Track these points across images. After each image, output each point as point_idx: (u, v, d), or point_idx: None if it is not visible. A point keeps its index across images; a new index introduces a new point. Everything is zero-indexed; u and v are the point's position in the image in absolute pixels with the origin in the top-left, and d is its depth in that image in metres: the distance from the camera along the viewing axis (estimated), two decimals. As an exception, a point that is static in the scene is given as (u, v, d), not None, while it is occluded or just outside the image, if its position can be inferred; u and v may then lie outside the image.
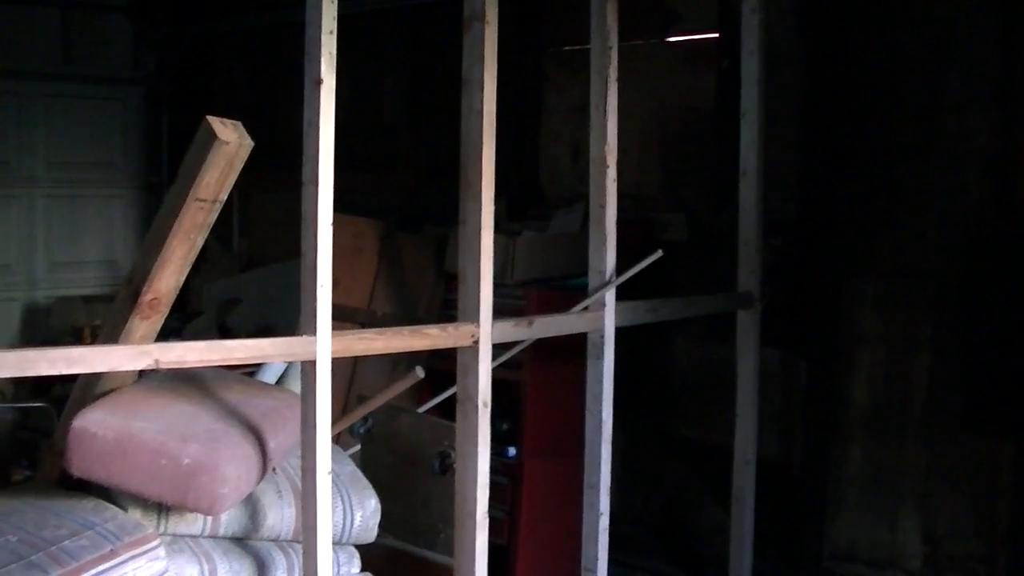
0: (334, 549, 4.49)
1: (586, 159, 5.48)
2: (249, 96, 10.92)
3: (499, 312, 4.95)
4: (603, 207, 5.38)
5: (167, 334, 6.07)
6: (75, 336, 9.89)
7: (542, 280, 6.83)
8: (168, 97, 11.51)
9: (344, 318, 6.64)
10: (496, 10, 4.72)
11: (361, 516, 4.67)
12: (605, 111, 5.34)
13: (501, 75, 4.77)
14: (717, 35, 7.24)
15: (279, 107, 9.79)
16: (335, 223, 4.23)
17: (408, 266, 7.43)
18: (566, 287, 6.58)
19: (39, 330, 10.66)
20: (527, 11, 8.15)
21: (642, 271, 5.77)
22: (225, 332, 8.72)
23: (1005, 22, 6.22)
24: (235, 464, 4.17)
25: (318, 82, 4.14)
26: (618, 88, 5.43)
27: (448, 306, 6.90)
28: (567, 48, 8.10)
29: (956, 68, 6.45)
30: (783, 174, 6.80)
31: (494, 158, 4.74)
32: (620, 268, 5.51)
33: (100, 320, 9.35)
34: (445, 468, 5.30)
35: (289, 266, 4.30)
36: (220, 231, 10.35)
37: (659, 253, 5.81)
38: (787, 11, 6.83)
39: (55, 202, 10.99)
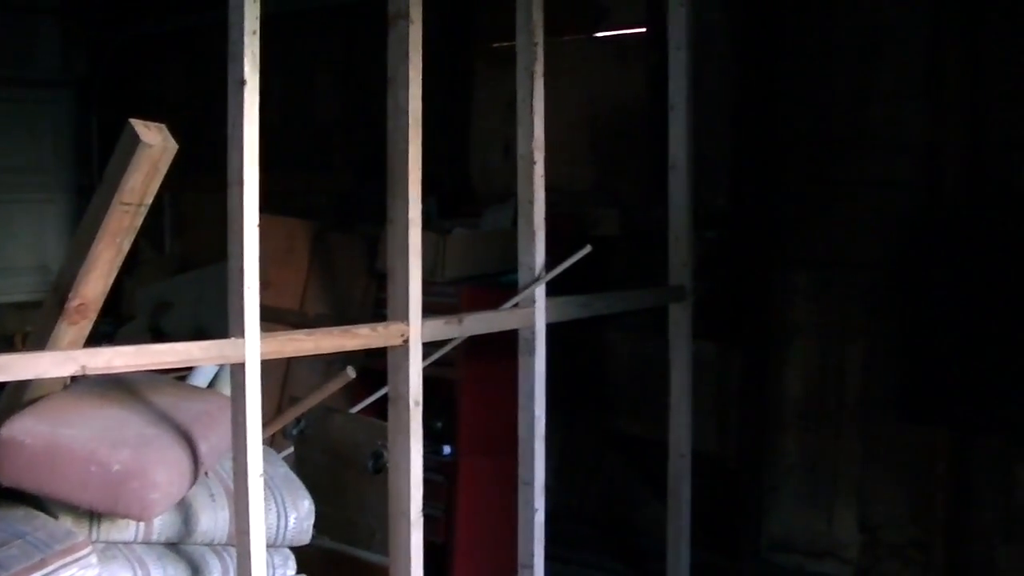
0: (268, 552, 4.47)
1: (517, 153, 5.48)
2: (180, 97, 10.85)
3: (431, 310, 4.95)
4: (531, 203, 5.39)
5: (99, 339, 6.01)
6: (7, 343, 9.79)
7: (474, 277, 6.83)
8: (99, 99, 11.42)
9: (275, 319, 6.62)
10: (420, 8, 4.71)
11: (295, 518, 4.64)
12: (532, 107, 5.35)
13: (429, 72, 4.76)
14: (645, 30, 7.25)
15: (210, 108, 9.69)
16: (265, 224, 4.21)
17: (340, 266, 7.41)
18: (498, 284, 6.58)
19: (-31, 338, 10.55)
20: (456, 7, 8.15)
21: (575, 266, 5.77)
22: (158, 336, 8.66)
23: (933, 9, 6.27)
24: (166, 469, 4.14)
25: (241, 83, 4.12)
26: (547, 83, 5.44)
27: (381, 305, 6.84)
28: (496, 44, 8.10)
29: (885, 57, 6.50)
30: (714, 167, 6.84)
31: (420, 157, 4.74)
32: (551, 264, 5.52)
33: (32, 326, 9.27)
34: (379, 468, 5.28)
35: (222, 268, 4.28)
36: (152, 233, 10.29)
37: (588, 248, 5.81)
38: (715, 3, 6.85)
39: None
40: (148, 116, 4.10)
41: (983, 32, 6.13)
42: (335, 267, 7.41)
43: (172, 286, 9.38)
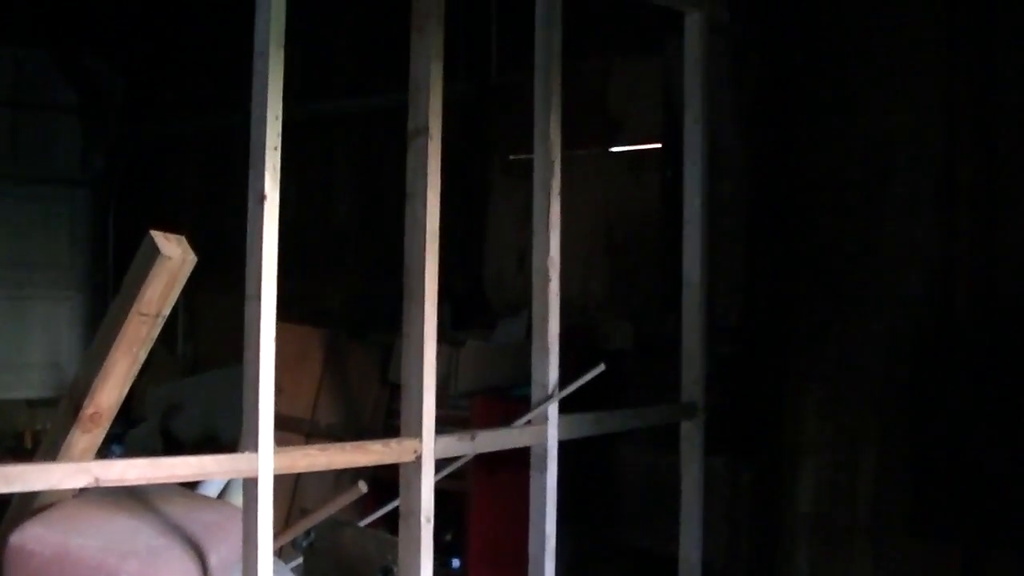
0: (276, 665, 4.43)
1: (532, 267, 5.50)
2: (197, 198, 10.92)
3: (443, 422, 4.95)
4: (545, 319, 5.40)
5: (109, 440, 6.02)
6: (17, 440, 9.79)
7: (487, 389, 6.82)
8: (116, 198, 11.50)
9: (287, 428, 6.62)
10: (440, 124, 4.76)
11: (304, 631, 4.63)
12: (548, 224, 5.37)
13: (446, 182, 4.80)
14: (660, 145, 7.30)
15: (227, 209, 9.79)
16: (279, 332, 4.22)
17: (353, 375, 7.41)
18: (511, 396, 6.58)
19: (-21, 433, 10.54)
20: (473, 119, 8.22)
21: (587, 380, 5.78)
22: (168, 439, 8.65)
23: (947, 124, 6.32)
24: (175, 581, 4.13)
25: (262, 198, 4.15)
26: (563, 195, 5.48)
27: (393, 415, 6.88)
28: (513, 157, 8.16)
29: (898, 173, 6.52)
30: (728, 281, 6.84)
31: (437, 272, 4.77)
32: (564, 379, 5.51)
33: (42, 424, 9.27)
34: (388, 583, 5.25)
35: (234, 371, 4.31)
36: (164, 334, 10.28)
37: (601, 367, 5.81)
38: (730, 119, 6.90)
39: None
40: (165, 216, 4.14)
41: (997, 147, 6.17)
42: (348, 375, 7.42)
43: (183, 388, 9.37)
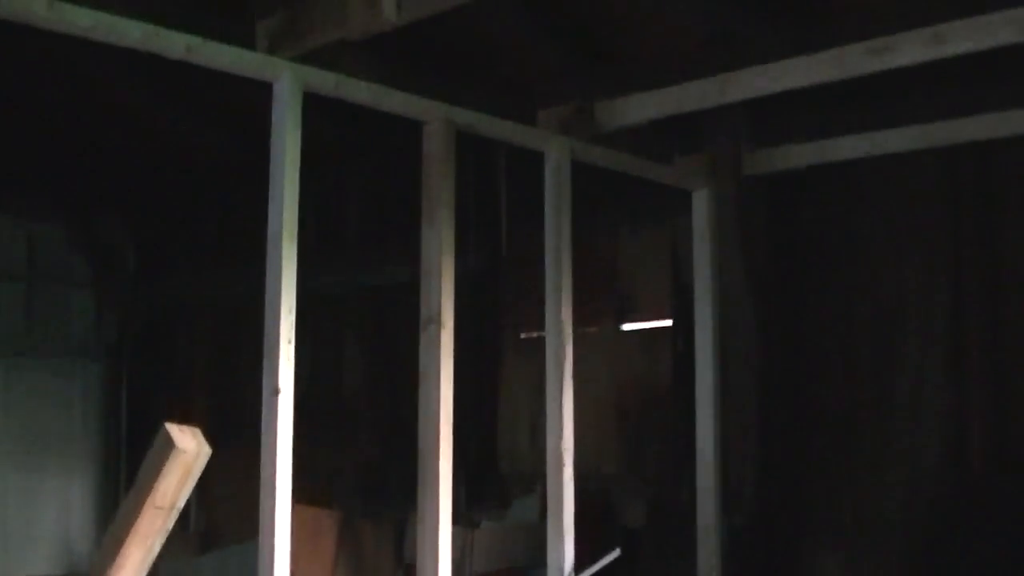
0: None
1: (545, 439, 5.52)
2: (208, 367, 10.94)
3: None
4: (560, 503, 5.40)
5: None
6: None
7: (502, 571, 6.78)
8: (128, 369, 11.53)
9: (303, 612, 6.57)
10: (452, 311, 4.83)
11: None
12: (561, 407, 5.41)
13: (458, 362, 4.85)
14: (672, 321, 7.33)
15: (238, 376, 9.82)
16: (293, 515, 4.23)
17: (367, 557, 7.36)
18: (526, 577, 6.55)
19: (-11, 612, 10.45)
20: (484, 294, 8.26)
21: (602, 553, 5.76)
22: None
23: (954, 281, 6.37)
24: None
25: (276, 391, 4.19)
26: (577, 370, 5.51)
27: (409, 596, 6.84)
28: (524, 335, 8.20)
29: (909, 331, 6.57)
30: (740, 449, 6.83)
31: (451, 455, 4.78)
32: (579, 554, 5.49)
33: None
34: None
35: (246, 550, 4.28)
36: (178, 509, 10.23)
37: (617, 552, 5.80)
38: (740, 291, 6.95)
39: (11, 476, 10.88)
40: (177, 385, 4.19)
41: (1005, 304, 6.22)
42: (362, 555, 7.37)
43: (195, 568, 9.29)
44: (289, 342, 4.23)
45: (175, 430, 4.23)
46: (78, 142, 10.15)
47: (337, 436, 9.38)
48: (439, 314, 4.78)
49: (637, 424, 7.67)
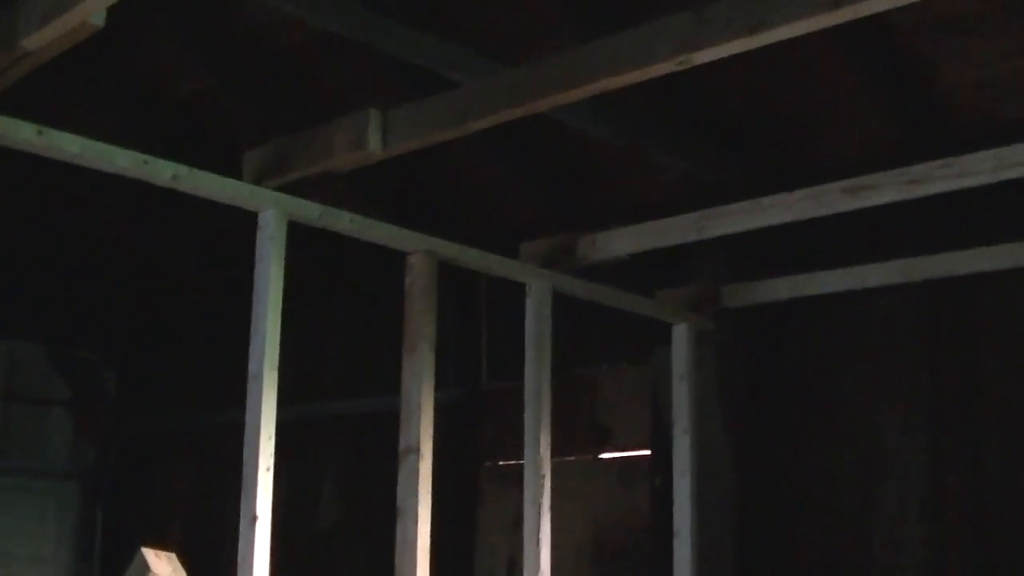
0: None
1: (522, 573, 5.49)
2: (187, 493, 10.87)
3: None
4: (537, 641, 5.36)
5: None
6: None
7: None
8: (105, 493, 11.45)
9: None
10: (431, 443, 4.85)
11: None
12: (538, 539, 5.39)
13: (435, 492, 4.85)
14: (649, 452, 7.33)
15: (214, 508, 9.77)
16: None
17: None
18: None
19: None
20: (463, 425, 8.25)
21: None
22: None
23: (934, 429, 6.36)
24: None
25: (254, 519, 4.19)
26: (553, 504, 5.50)
27: None
28: (503, 463, 8.18)
29: (887, 474, 6.53)
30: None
31: (429, 588, 4.77)
32: None
33: None
34: None
35: None
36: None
37: None
38: (719, 429, 6.95)
39: (-15, 600, 10.77)
40: (154, 513, 4.19)
41: (984, 447, 6.20)
42: None
43: None
44: (268, 470, 4.24)
45: (151, 555, 4.23)
46: (63, 263, 10.22)
47: (313, 567, 9.32)
48: (418, 445, 4.79)
49: (612, 558, 7.62)
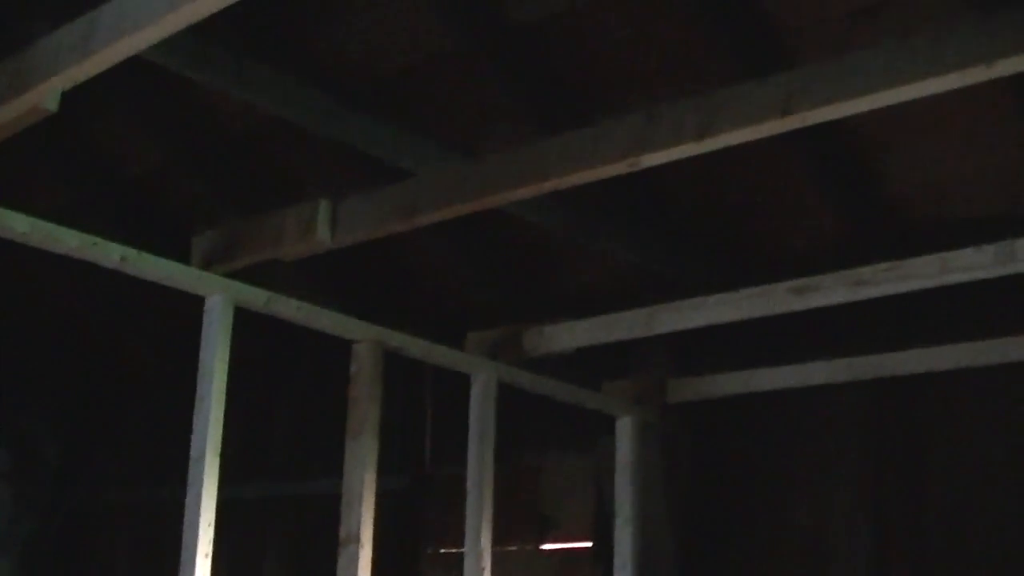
0: None
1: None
2: (126, 569, 10.75)
3: None
4: None
5: None
6: None
7: None
8: (43, 564, 11.30)
9: None
10: (371, 532, 4.83)
11: None
12: (480, 632, 5.38)
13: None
14: (591, 544, 7.31)
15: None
16: None
17: None
18: None
19: None
20: (404, 510, 8.21)
21: None
22: None
23: (878, 527, 6.38)
24: None
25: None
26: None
27: None
28: (444, 550, 8.13)
29: (831, 574, 6.54)
30: None
31: None
32: None
33: None
34: None
35: None
36: None
37: None
38: (663, 521, 6.94)
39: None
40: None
41: (927, 547, 6.22)
42: None
43: None
44: (206, 556, 4.21)
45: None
46: (7, 334, 10.15)
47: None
48: (358, 534, 4.78)
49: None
